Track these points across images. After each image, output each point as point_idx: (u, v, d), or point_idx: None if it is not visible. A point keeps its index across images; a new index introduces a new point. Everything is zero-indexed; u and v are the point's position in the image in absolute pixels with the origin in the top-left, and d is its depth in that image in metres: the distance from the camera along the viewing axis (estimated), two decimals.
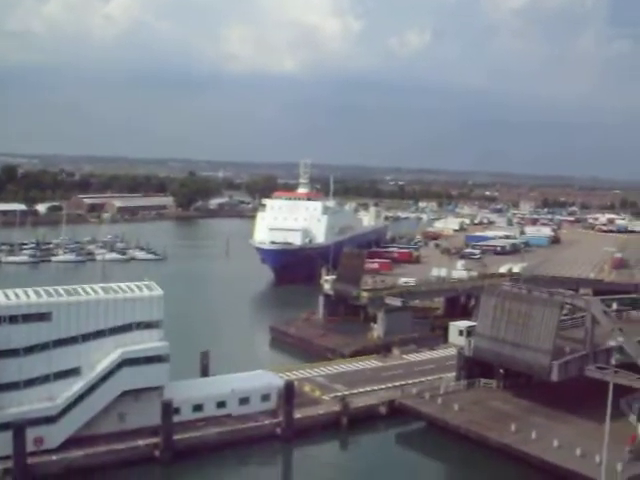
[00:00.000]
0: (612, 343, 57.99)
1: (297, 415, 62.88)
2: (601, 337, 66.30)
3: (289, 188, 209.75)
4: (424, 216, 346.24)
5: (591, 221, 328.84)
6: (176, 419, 57.59)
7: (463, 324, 75.55)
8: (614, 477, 50.38)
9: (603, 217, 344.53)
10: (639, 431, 59.73)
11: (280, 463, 60.77)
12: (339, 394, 69.27)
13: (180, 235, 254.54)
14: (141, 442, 55.99)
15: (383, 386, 73.23)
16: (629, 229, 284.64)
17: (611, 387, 40.00)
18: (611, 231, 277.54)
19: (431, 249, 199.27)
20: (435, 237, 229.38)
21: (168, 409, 56.45)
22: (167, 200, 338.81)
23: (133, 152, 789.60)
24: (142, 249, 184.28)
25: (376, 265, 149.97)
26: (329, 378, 75.58)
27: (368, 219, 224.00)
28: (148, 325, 58.67)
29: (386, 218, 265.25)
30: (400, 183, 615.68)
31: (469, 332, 73.16)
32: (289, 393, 62.53)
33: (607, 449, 43.44)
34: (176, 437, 56.74)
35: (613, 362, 47.94)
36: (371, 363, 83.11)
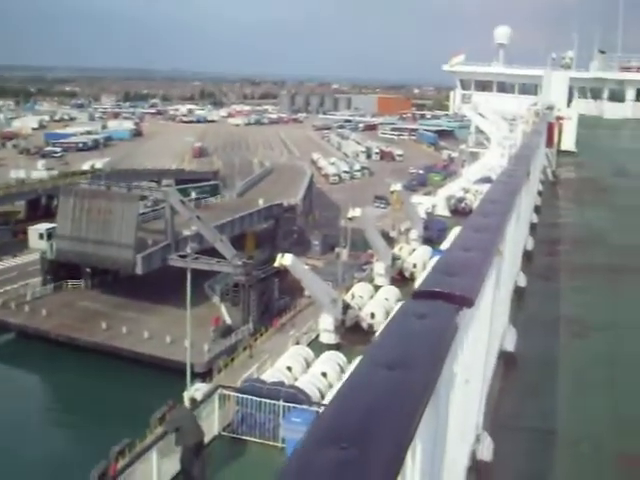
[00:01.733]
0: (187, 232, 60.23)
1: None
2: (183, 226, 68.09)
3: None
4: (0, 116, 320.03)
5: (172, 112, 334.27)
6: None
7: (43, 227, 72.10)
8: (202, 357, 52.95)
9: (184, 108, 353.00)
10: (222, 311, 63.45)
11: None
12: None
13: None
14: None
15: None
16: (208, 119, 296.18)
17: (189, 273, 41.37)
18: (191, 121, 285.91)
19: (9, 150, 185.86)
20: (12, 137, 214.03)
21: None
22: None
23: None
24: None
25: None
26: None
27: None
28: None
29: None
30: None
31: (50, 235, 70.14)
32: None
33: (194, 333, 45.15)
34: None
35: (189, 250, 49.46)
36: None
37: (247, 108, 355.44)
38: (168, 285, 66.06)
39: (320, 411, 21.42)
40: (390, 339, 2.35)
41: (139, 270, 64.31)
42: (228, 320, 62.13)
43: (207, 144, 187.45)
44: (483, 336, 4.64)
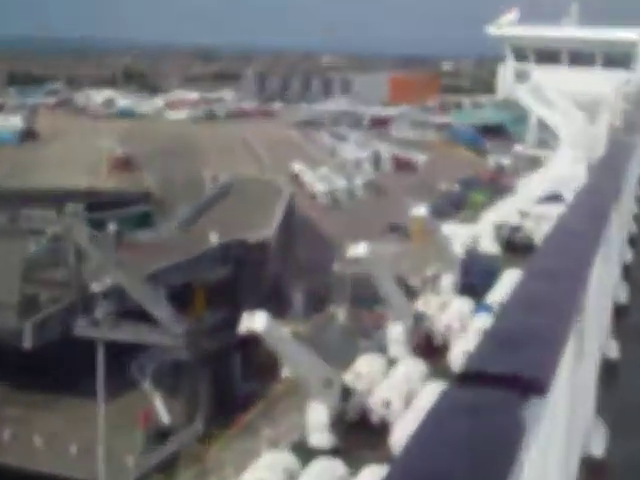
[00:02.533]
0: (97, 288, 59.89)
1: None
2: (95, 275, 67.63)
3: None
4: None
5: (82, 103, 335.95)
6: None
7: None
8: (125, 475, 52.58)
9: (99, 96, 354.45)
10: (156, 402, 62.99)
11: None
12: None
13: None
14: None
15: None
16: (137, 112, 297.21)
17: (101, 348, 41.16)
18: (111, 116, 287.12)
19: None
20: None
21: None
22: None
23: None
24: None
25: None
26: None
27: None
28: None
29: None
30: None
31: None
32: None
33: (113, 437, 44.79)
34: None
35: (99, 315, 49.34)
36: None
37: (195, 95, 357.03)
38: (74, 365, 65.80)
39: None
40: (426, 448, 2.34)
41: (27, 343, 63.48)
42: (165, 417, 61.89)
43: (134, 151, 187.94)
44: (559, 436, 4.64)
